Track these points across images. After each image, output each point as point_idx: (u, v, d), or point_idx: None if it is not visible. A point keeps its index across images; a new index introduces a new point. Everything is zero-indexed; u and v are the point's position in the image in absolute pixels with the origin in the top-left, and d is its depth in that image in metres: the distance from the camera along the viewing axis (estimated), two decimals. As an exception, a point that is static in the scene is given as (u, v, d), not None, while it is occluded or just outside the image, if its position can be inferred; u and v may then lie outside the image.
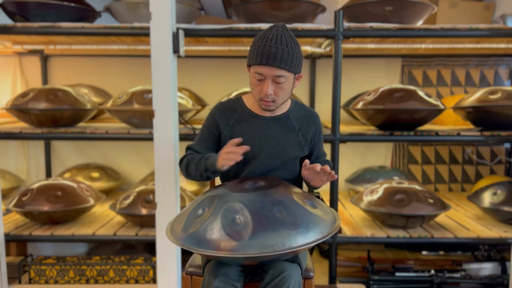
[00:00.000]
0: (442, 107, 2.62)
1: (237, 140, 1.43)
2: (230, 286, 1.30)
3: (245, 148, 1.40)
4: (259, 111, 1.53)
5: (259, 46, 1.39)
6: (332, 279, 2.66)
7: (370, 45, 3.09)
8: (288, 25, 2.51)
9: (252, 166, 1.51)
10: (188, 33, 2.46)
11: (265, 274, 1.32)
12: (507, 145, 3.61)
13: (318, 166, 1.39)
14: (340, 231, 2.66)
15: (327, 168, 1.38)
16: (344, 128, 2.78)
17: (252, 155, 1.50)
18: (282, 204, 1.29)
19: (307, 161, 1.44)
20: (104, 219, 2.91)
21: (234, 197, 1.31)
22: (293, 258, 1.36)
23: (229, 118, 1.53)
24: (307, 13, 2.68)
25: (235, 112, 1.54)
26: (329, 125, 2.67)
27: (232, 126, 1.52)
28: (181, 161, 1.55)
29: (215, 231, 1.24)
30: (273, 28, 1.41)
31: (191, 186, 3.23)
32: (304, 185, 1.67)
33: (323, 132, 1.63)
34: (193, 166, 1.49)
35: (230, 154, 1.38)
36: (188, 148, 1.58)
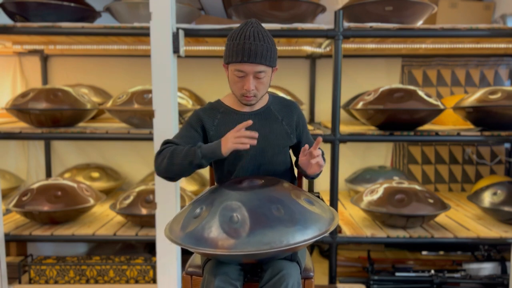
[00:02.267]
0: (442, 107, 2.62)
1: (246, 124, 1.38)
2: (230, 285, 1.30)
3: (255, 134, 1.37)
4: (240, 108, 1.55)
5: (238, 44, 1.41)
6: (332, 279, 2.66)
7: (370, 45, 3.09)
8: (288, 25, 2.52)
9: (244, 161, 1.52)
10: (188, 33, 2.46)
11: (264, 273, 1.32)
12: (507, 145, 3.61)
13: (317, 143, 1.41)
14: (340, 231, 2.66)
15: (318, 151, 1.41)
16: (344, 128, 2.78)
17: (242, 152, 1.51)
18: (280, 202, 1.29)
19: (306, 146, 1.44)
20: (104, 219, 2.91)
21: (232, 196, 1.32)
22: (292, 256, 1.37)
23: (213, 119, 1.54)
24: (307, 13, 2.68)
25: (218, 112, 1.55)
26: (329, 125, 2.68)
27: (217, 125, 1.53)
28: (160, 151, 1.46)
29: (213, 230, 1.24)
30: (247, 24, 1.44)
31: (191, 186, 3.24)
32: (303, 184, 1.67)
33: (306, 122, 1.65)
34: (180, 154, 1.40)
35: (242, 138, 1.35)
36: (166, 142, 1.49)
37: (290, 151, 1.66)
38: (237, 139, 1.37)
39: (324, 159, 1.64)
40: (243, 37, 1.41)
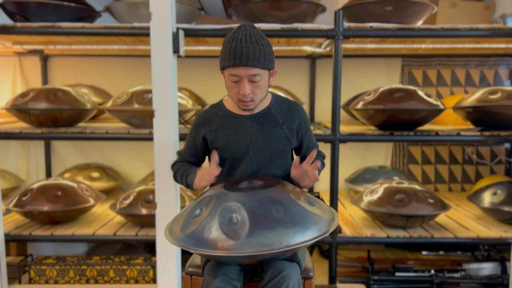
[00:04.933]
0: (442, 107, 2.62)
1: (214, 161, 1.50)
2: (230, 286, 1.30)
3: (217, 171, 1.49)
4: (240, 111, 1.54)
5: (230, 48, 1.40)
6: (332, 279, 2.66)
7: (370, 45, 3.09)
8: (288, 25, 2.52)
9: (243, 165, 1.52)
10: (188, 33, 2.46)
11: (265, 274, 1.32)
12: (507, 145, 3.61)
13: (309, 159, 1.43)
14: (340, 231, 2.66)
15: (314, 163, 1.44)
16: (344, 128, 2.78)
17: (241, 154, 1.52)
18: (279, 203, 1.29)
19: (297, 159, 1.46)
20: (104, 219, 2.91)
21: (232, 197, 1.32)
22: (292, 257, 1.37)
23: (211, 124, 1.55)
24: (307, 13, 2.68)
25: (216, 117, 1.56)
26: (329, 125, 2.67)
27: (216, 130, 1.54)
28: (173, 165, 1.66)
29: (213, 231, 1.24)
30: (240, 28, 1.43)
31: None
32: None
33: (310, 124, 1.63)
34: (179, 175, 1.60)
35: (205, 175, 1.49)
36: (178, 153, 1.67)
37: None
38: (201, 177, 1.51)
39: (323, 164, 1.63)
40: (236, 40, 1.39)
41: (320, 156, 1.65)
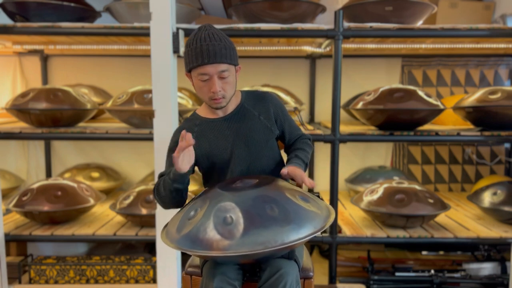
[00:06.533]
0: (442, 107, 2.62)
1: (186, 141, 1.35)
2: (229, 285, 1.30)
3: (188, 138, 1.32)
4: (215, 115, 1.54)
5: (195, 48, 1.41)
6: (332, 279, 2.66)
7: (370, 45, 3.09)
8: (288, 25, 2.52)
9: (232, 166, 1.51)
10: (188, 33, 2.46)
11: (263, 272, 1.33)
12: (507, 145, 3.61)
13: (284, 171, 1.43)
14: (340, 231, 2.66)
15: (289, 172, 1.42)
16: (344, 128, 2.78)
17: (227, 156, 1.51)
18: (274, 201, 1.29)
19: (283, 171, 1.44)
20: (104, 219, 2.91)
21: (226, 197, 1.32)
22: (289, 255, 1.37)
23: (191, 133, 1.52)
24: (307, 13, 2.68)
25: (194, 126, 1.55)
26: (329, 125, 2.68)
27: (196, 138, 1.52)
28: (154, 189, 1.52)
29: (208, 231, 1.24)
30: (201, 29, 1.44)
31: (191, 186, 3.23)
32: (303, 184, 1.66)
33: (286, 110, 1.62)
34: (162, 186, 1.46)
35: (179, 151, 1.33)
36: (160, 176, 1.54)
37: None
38: (176, 154, 1.34)
39: (309, 148, 1.61)
40: (199, 40, 1.41)
41: (306, 138, 1.62)
